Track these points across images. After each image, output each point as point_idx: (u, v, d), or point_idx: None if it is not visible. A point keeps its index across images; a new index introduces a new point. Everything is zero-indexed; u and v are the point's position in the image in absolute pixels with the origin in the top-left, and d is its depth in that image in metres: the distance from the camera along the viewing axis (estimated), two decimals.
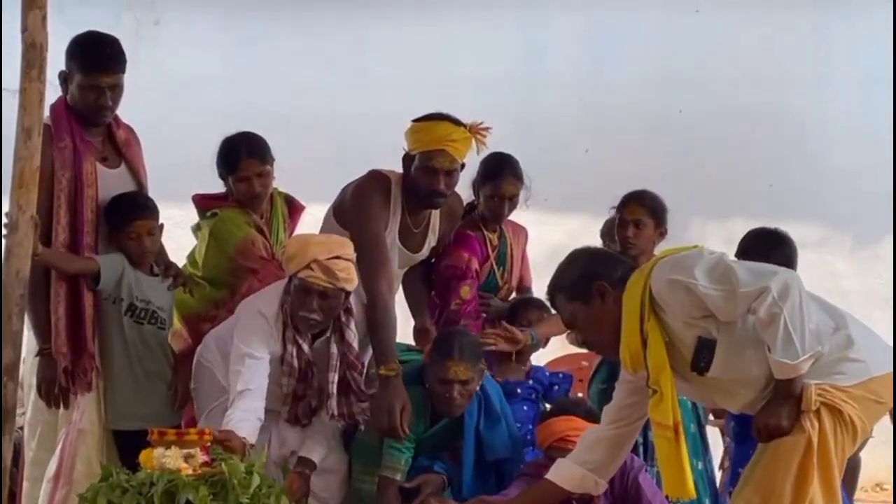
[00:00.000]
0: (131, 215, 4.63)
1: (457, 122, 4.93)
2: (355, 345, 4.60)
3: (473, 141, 4.95)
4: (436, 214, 5.12)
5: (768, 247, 4.78)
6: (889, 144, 8.12)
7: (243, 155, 4.98)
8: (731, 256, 4.08)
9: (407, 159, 4.97)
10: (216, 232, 4.95)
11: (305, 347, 4.53)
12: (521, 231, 5.46)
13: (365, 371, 4.68)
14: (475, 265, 5.21)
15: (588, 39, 8.68)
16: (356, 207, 4.93)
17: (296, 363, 4.53)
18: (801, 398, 3.68)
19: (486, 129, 4.96)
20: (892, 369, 3.78)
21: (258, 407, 4.38)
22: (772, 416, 3.70)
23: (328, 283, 4.45)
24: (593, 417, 4.46)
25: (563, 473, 4.12)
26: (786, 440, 3.68)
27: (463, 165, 5.02)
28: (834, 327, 3.78)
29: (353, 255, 4.53)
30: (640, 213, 5.15)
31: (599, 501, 4.45)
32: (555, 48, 8.66)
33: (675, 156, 8.03)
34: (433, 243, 5.18)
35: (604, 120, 8.39)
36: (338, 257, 4.43)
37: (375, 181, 5.00)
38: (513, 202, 5.27)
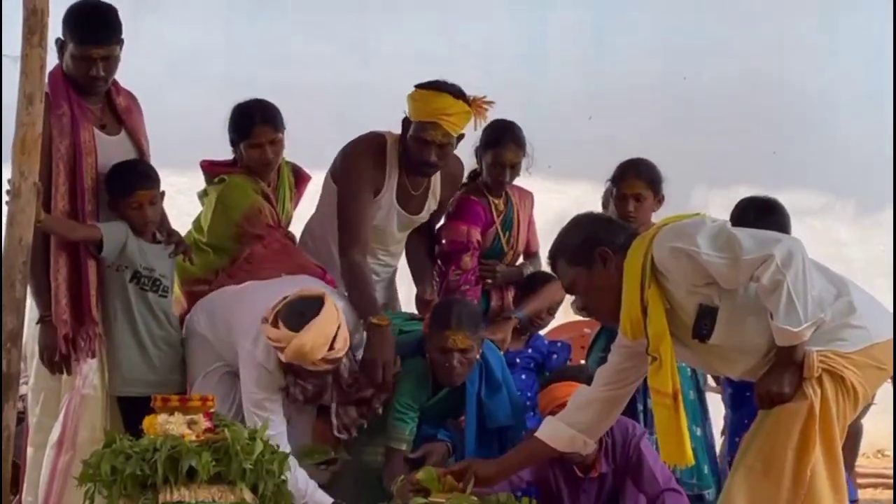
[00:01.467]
0: (133, 185, 4.61)
1: (458, 95, 4.92)
2: (346, 372, 4.58)
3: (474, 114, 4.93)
4: (436, 179, 5.12)
5: (761, 215, 4.76)
6: (891, 112, 8.10)
7: (257, 121, 4.97)
8: None
9: (405, 123, 4.98)
10: (223, 198, 4.94)
11: (309, 387, 4.52)
12: (527, 196, 5.45)
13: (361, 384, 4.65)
14: (476, 236, 5.20)
15: (591, 9, 8.66)
16: (343, 174, 4.96)
17: (300, 397, 4.53)
18: (802, 365, 3.67)
19: (489, 102, 4.94)
20: (892, 335, 3.78)
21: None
22: (774, 383, 3.69)
23: (335, 365, 4.47)
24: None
25: (552, 433, 4.13)
26: (787, 407, 3.68)
27: (462, 136, 5.01)
28: (836, 294, 3.77)
29: (344, 329, 4.45)
30: (638, 187, 5.11)
31: (601, 467, 4.46)
32: (558, 18, 8.64)
33: (679, 124, 8.03)
34: (434, 207, 5.17)
35: (607, 88, 8.38)
36: (333, 343, 4.37)
37: (368, 143, 5.01)
38: (514, 169, 5.26)
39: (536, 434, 4.17)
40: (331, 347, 4.35)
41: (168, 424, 3.87)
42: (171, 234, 4.74)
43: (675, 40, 8.43)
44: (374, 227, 5.02)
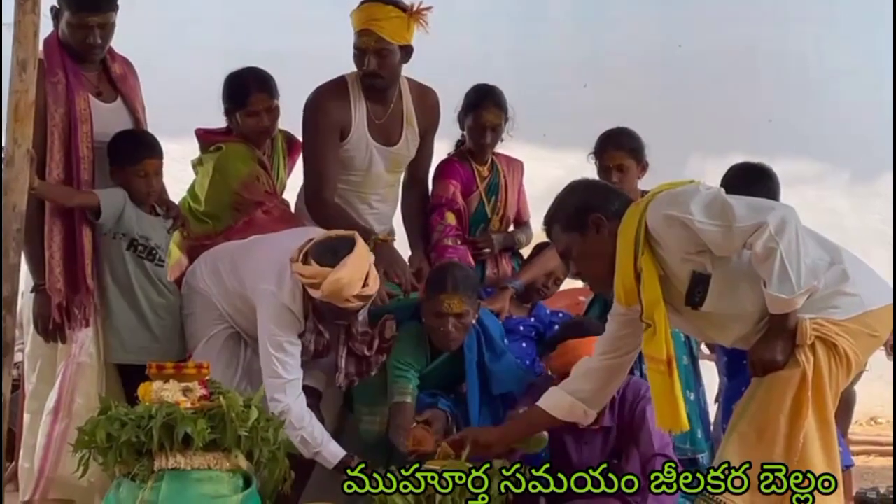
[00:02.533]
0: (142, 153, 4.61)
1: (388, 1, 4.99)
2: (360, 320, 4.61)
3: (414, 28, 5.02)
4: (408, 105, 5.13)
5: (751, 181, 4.74)
6: (889, 81, 8.09)
7: (253, 89, 4.98)
8: None
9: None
10: (220, 166, 4.94)
11: (326, 335, 4.55)
12: (517, 164, 5.44)
13: (371, 339, 4.67)
14: (460, 200, 5.21)
15: None
16: (305, 121, 5.03)
17: (312, 347, 4.54)
18: (795, 332, 3.69)
19: (426, 9, 5.00)
20: (885, 303, 3.79)
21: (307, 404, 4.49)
22: (767, 351, 3.71)
23: (366, 303, 4.50)
24: None
25: (553, 402, 4.15)
26: (780, 374, 3.69)
27: (408, 48, 5.05)
28: (829, 262, 3.78)
29: (374, 269, 4.49)
30: (620, 158, 5.11)
31: (604, 420, 4.45)
32: None
33: (675, 91, 8.02)
34: (415, 139, 5.16)
35: (603, 56, 8.36)
36: (366, 280, 4.40)
37: (327, 86, 5.07)
38: (496, 132, 5.26)
39: (538, 403, 4.19)
40: (364, 284, 4.37)
41: (163, 392, 3.87)
42: (170, 208, 4.74)
43: (670, 8, 8.41)
44: (360, 169, 5.04)
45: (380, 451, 4.62)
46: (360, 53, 4.99)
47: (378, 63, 4.95)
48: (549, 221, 4.01)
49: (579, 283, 6.33)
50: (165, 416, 3.77)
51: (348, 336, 4.59)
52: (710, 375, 5.22)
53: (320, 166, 4.97)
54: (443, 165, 5.30)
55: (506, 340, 4.89)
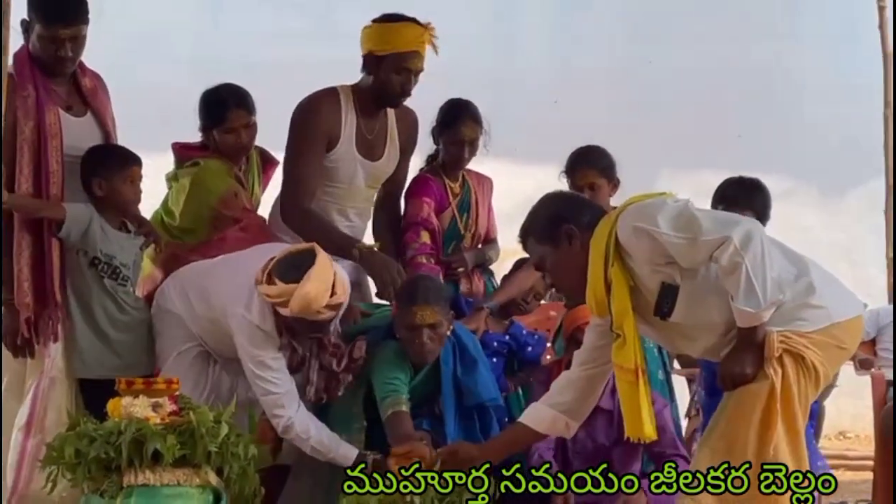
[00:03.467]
0: (130, 161, 4.61)
1: (418, 22, 4.97)
2: (332, 329, 4.59)
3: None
4: (392, 122, 5.10)
5: (746, 194, 4.84)
6: (858, 98, 8.16)
7: (231, 106, 4.96)
8: (704, 207, 4.10)
9: (372, 60, 4.95)
10: (198, 181, 4.92)
11: (299, 350, 4.54)
12: (485, 181, 5.46)
13: (342, 355, 4.64)
14: (434, 219, 5.22)
15: None
16: (292, 128, 4.95)
17: (287, 363, 4.51)
18: (763, 345, 3.71)
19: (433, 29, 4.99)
20: (853, 315, 3.81)
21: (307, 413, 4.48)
22: (735, 365, 3.73)
23: (337, 312, 4.48)
24: None
25: (535, 416, 4.16)
26: (749, 388, 3.71)
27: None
28: (796, 274, 3.80)
29: (341, 273, 4.47)
30: (592, 176, 5.12)
31: (603, 401, 4.46)
32: (525, 2, 8.64)
33: (645, 107, 8.07)
34: (395, 155, 5.14)
35: (573, 72, 8.40)
36: (333, 289, 4.37)
37: (318, 96, 5.00)
38: (473, 146, 5.27)
39: (520, 419, 4.21)
40: (332, 293, 4.36)
41: (132, 407, 3.85)
42: (141, 224, 4.73)
43: (641, 25, 8.46)
44: (342, 181, 4.99)
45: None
46: (405, 74, 4.91)
47: (412, 85, 4.95)
48: (524, 233, 4.04)
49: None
50: (135, 432, 3.76)
51: (320, 348, 4.59)
52: (682, 390, 5.24)
53: (303, 174, 4.90)
54: (416, 182, 5.29)
55: (479, 349, 4.88)
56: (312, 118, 4.94)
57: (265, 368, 4.42)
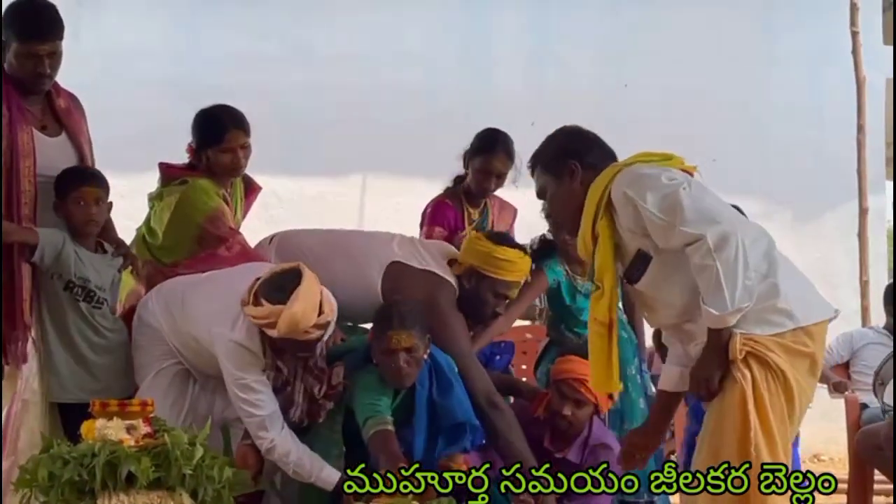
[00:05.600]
0: (79, 181, 4.57)
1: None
2: (318, 352, 4.57)
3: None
4: None
5: None
6: (832, 123, 8.21)
7: (229, 126, 4.96)
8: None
9: (471, 272, 4.85)
10: (187, 199, 4.90)
11: (284, 371, 4.52)
12: (508, 209, 5.48)
13: (327, 378, 4.62)
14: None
15: (534, 15, 8.70)
16: (442, 315, 4.80)
17: (271, 384, 4.50)
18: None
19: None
20: (818, 319, 3.80)
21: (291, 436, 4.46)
22: (702, 367, 3.74)
23: (325, 331, 4.45)
24: None
25: (666, 377, 4.12)
26: (724, 399, 3.72)
27: None
28: (763, 275, 3.79)
29: (327, 292, 4.45)
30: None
31: (570, 451, 4.48)
32: (501, 24, 8.67)
33: (620, 130, 8.04)
34: None
35: (549, 94, 8.42)
36: (321, 307, 4.36)
37: (450, 293, 4.88)
38: (500, 179, 5.30)
39: (658, 387, 4.20)
40: (320, 312, 4.35)
41: (106, 429, 3.82)
42: (119, 246, 4.70)
43: (617, 48, 8.50)
44: None
45: (327, 497, 4.57)
46: (502, 297, 4.89)
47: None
48: (534, 159, 4.08)
49: (526, 322, 6.39)
50: (109, 455, 3.72)
51: (305, 369, 4.57)
52: None
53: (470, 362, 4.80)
54: (433, 207, 5.28)
55: (455, 371, 4.87)
56: (455, 306, 4.86)
57: (249, 391, 4.41)
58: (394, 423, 4.59)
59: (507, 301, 4.91)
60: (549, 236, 5.29)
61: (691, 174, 3.91)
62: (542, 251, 5.30)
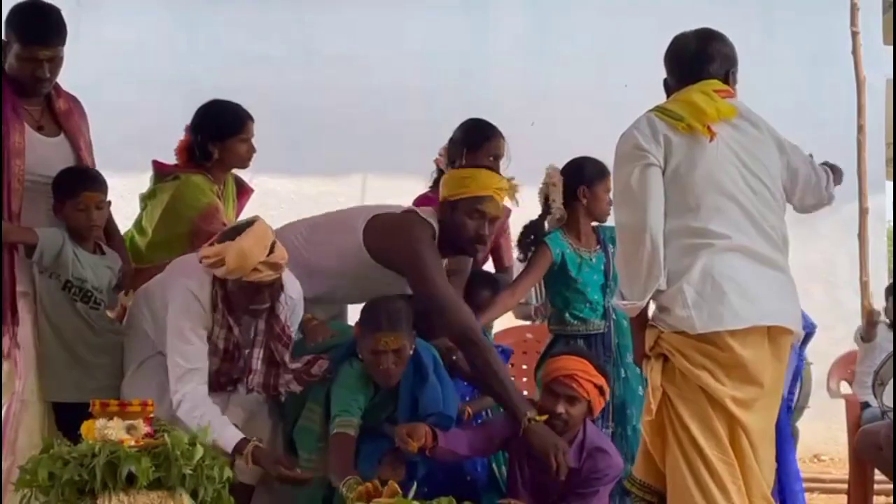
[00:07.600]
0: (81, 186, 4.57)
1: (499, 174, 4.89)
2: (283, 317, 4.57)
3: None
4: None
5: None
6: (832, 123, 8.21)
7: (246, 118, 5.05)
8: None
9: (445, 206, 4.78)
10: (180, 195, 4.91)
11: (236, 330, 4.51)
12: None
13: (292, 343, 4.63)
14: None
15: (533, 16, 8.70)
16: (418, 254, 4.67)
17: (222, 345, 4.51)
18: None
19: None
20: (719, 328, 3.88)
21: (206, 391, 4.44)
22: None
23: (276, 273, 4.43)
24: (601, 369, 4.63)
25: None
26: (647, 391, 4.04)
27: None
28: (679, 273, 3.93)
29: (280, 245, 4.43)
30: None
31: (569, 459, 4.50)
32: (500, 24, 8.67)
33: (621, 129, 8.07)
34: None
35: (549, 95, 8.42)
36: (273, 247, 4.38)
37: (426, 229, 4.76)
38: (496, 161, 5.29)
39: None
40: (270, 252, 4.35)
41: (106, 429, 3.82)
42: (124, 261, 4.75)
43: (616, 48, 8.49)
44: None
45: (319, 495, 4.57)
46: (480, 217, 4.73)
47: (490, 230, 4.81)
48: None
49: (526, 322, 6.39)
50: (109, 455, 3.73)
51: (269, 334, 4.55)
52: None
53: (452, 297, 4.67)
54: (418, 203, 5.25)
55: (439, 364, 4.84)
56: (429, 246, 4.72)
57: (183, 341, 4.41)
58: (375, 418, 4.60)
59: (486, 222, 4.72)
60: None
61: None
62: (537, 228, 5.24)
